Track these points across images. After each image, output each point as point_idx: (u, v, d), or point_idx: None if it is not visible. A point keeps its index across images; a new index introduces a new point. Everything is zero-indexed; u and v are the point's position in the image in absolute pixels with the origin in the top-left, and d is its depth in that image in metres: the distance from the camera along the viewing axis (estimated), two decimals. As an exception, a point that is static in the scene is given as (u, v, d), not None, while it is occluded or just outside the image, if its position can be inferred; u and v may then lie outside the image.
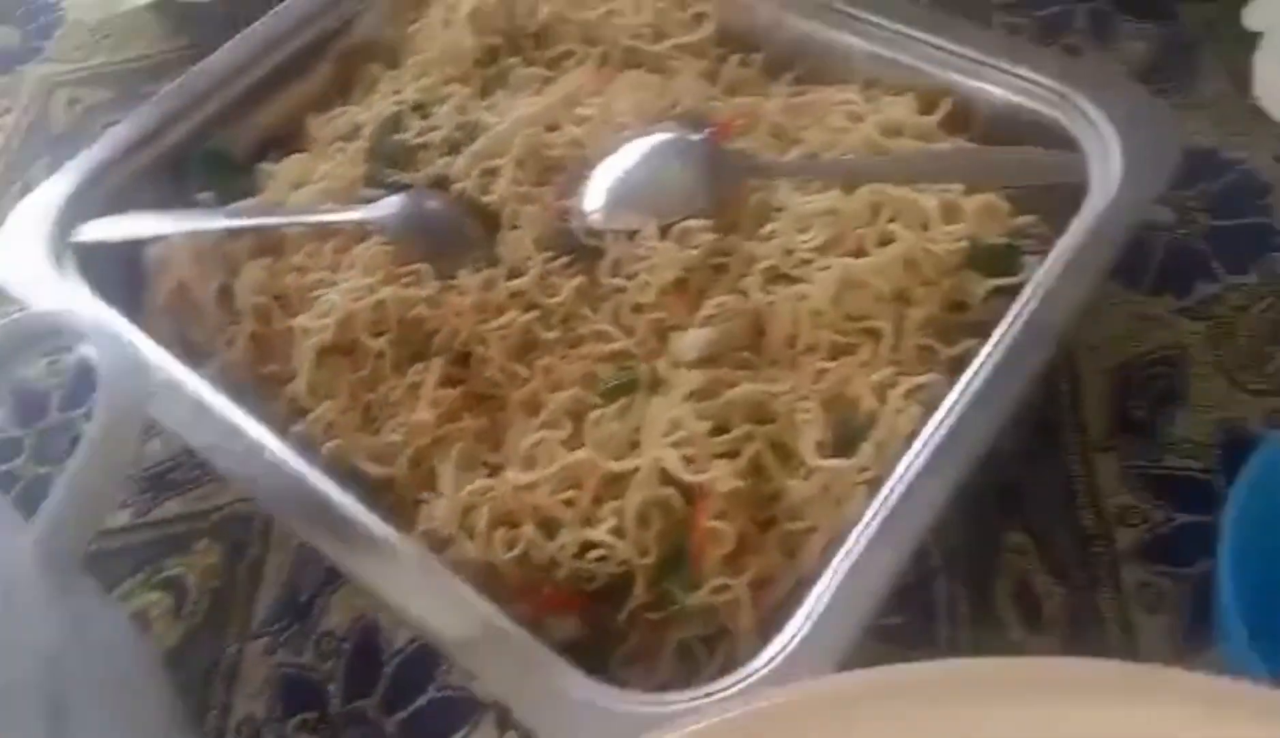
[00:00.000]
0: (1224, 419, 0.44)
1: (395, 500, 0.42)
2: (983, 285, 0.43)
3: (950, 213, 0.44)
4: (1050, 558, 0.41)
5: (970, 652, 0.39)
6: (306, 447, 0.43)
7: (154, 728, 0.37)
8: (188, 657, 0.44)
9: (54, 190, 0.51)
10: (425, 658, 0.42)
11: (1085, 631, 0.39)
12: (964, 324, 0.43)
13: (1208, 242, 0.49)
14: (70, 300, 0.46)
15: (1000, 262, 0.44)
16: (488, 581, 0.39)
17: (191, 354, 0.47)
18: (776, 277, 0.44)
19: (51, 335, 0.38)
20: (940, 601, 0.41)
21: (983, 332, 0.41)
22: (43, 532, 0.32)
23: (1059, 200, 0.44)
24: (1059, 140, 0.46)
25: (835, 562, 0.35)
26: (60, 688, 0.29)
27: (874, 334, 0.42)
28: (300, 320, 0.45)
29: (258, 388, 0.46)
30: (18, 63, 0.72)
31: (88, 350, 0.37)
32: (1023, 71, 0.48)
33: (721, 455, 0.40)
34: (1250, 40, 0.50)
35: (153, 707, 0.38)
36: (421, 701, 0.41)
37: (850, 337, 0.42)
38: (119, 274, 0.49)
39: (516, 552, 0.38)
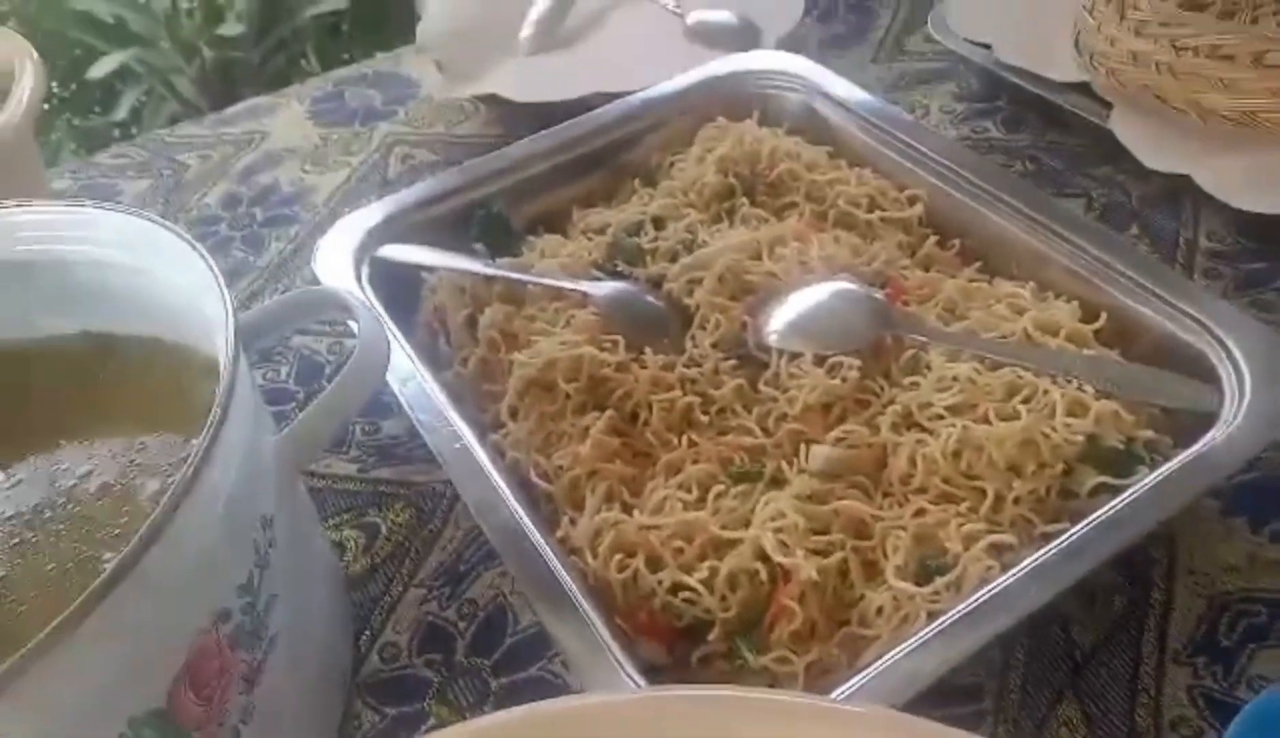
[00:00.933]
0: (1308, 674, 0.45)
1: (551, 511, 0.51)
2: (1093, 479, 0.47)
3: (1076, 408, 0.49)
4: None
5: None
6: (499, 453, 0.53)
7: (323, 618, 0.47)
8: (363, 585, 0.54)
9: (369, 217, 0.65)
10: (538, 642, 0.50)
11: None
12: (1067, 511, 0.47)
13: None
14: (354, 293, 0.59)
15: (1115, 462, 0.48)
16: (604, 594, 0.47)
17: (436, 362, 0.58)
18: (909, 423, 0.50)
19: (330, 307, 0.51)
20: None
21: (1080, 520, 0.45)
22: (282, 439, 0.44)
23: (1192, 428, 0.48)
24: (1203, 372, 0.50)
25: (876, 662, 0.41)
26: (267, 549, 0.40)
27: (979, 493, 0.47)
28: (517, 356, 0.56)
29: (477, 399, 0.57)
30: (375, 119, 0.90)
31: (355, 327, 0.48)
32: (1175, 300, 0.52)
33: (814, 551, 0.46)
34: None
35: (328, 604, 0.48)
36: (524, 675, 0.49)
37: (958, 490, 0.48)
38: (399, 290, 0.62)
39: (625, 575, 0.46)
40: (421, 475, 0.59)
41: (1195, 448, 0.47)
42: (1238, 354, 0.50)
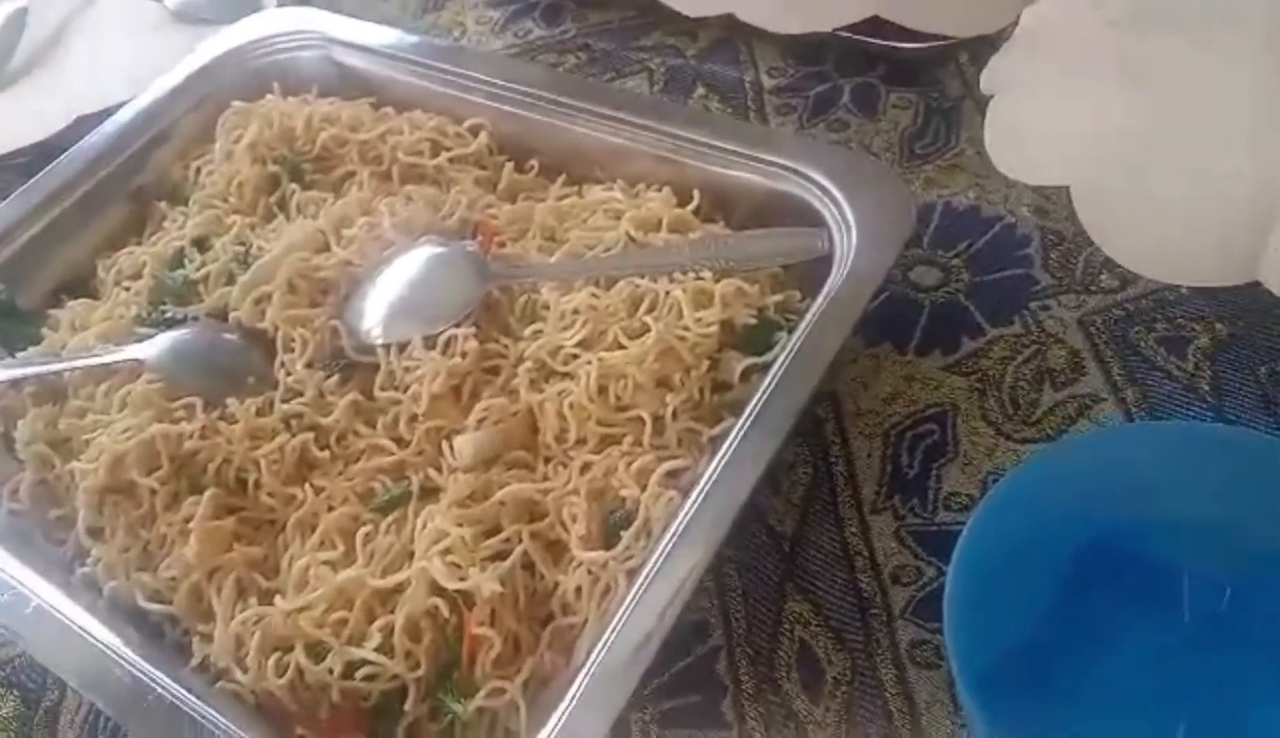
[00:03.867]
0: (992, 470, 0.45)
1: (181, 635, 0.42)
2: (740, 364, 0.45)
3: (702, 298, 0.45)
4: (830, 624, 0.42)
5: (757, 725, 0.40)
6: (92, 588, 0.43)
7: None
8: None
9: None
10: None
11: (865, 694, 0.40)
12: (726, 404, 0.44)
13: (972, 297, 0.51)
14: None
15: (754, 340, 0.45)
16: (270, 709, 0.39)
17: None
18: (546, 375, 0.45)
19: None
20: (725, 676, 0.41)
21: (742, 410, 0.42)
22: None
23: (822, 274, 0.47)
24: (809, 219, 0.49)
25: (596, 650, 0.36)
26: None
27: (639, 423, 0.43)
28: (76, 465, 0.45)
29: (45, 533, 0.46)
30: None
31: None
32: (770, 157, 0.51)
33: (492, 558, 0.40)
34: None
35: None
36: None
37: (616, 427, 0.43)
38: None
39: (286, 678, 0.38)
40: (11, 648, 0.47)
41: (824, 293, 0.45)
42: (830, 186, 0.49)
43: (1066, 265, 0.51)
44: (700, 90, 0.64)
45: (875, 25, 0.61)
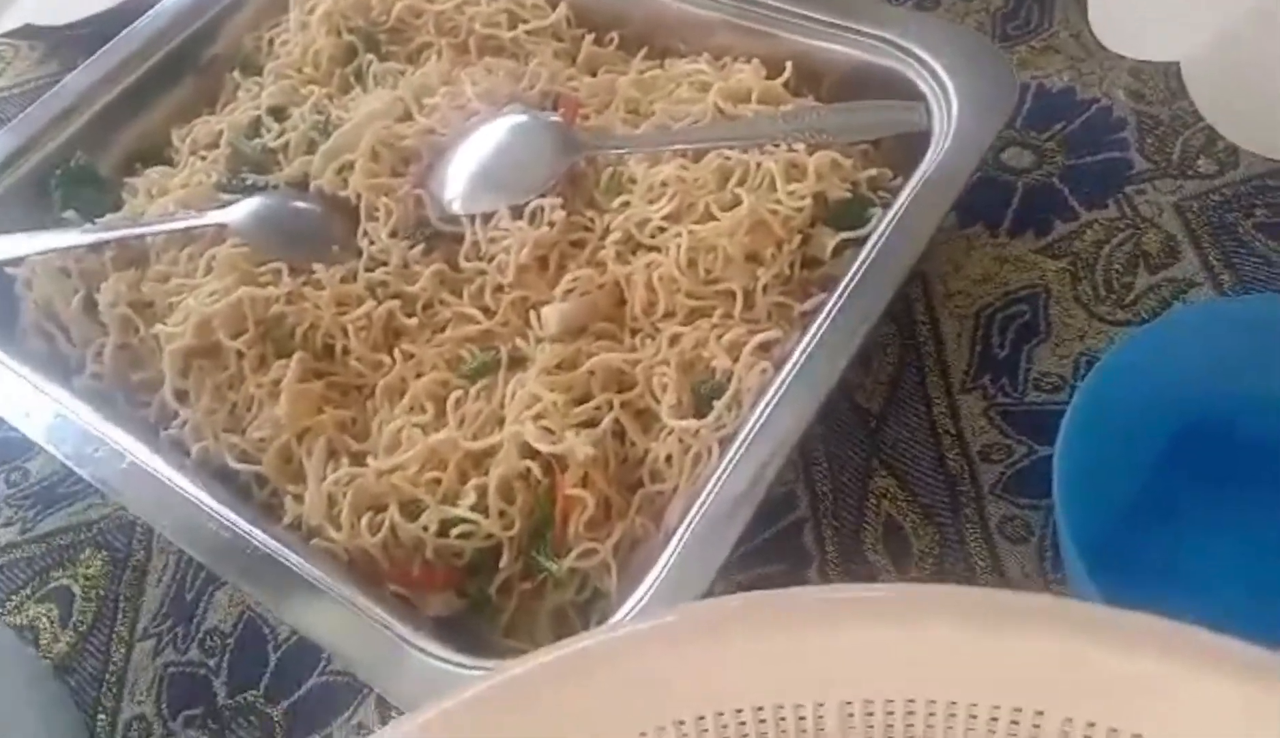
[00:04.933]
0: (1084, 351, 0.45)
1: (269, 495, 0.42)
2: (833, 239, 0.44)
3: (794, 172, 0.44)
4: (917, 499, 0.42)
5: (842, 597, 0.40)
6: (182, 449, 0.43)
7: (28, 728, 0.37)
8: (77, 664, 0.44)
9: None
10: (308, 647, 0.42)
11: (954, 567, 0.40)
12: (817, 279, 0.44)
13: (1065, 180, 0.50)
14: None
15: (847, 215, 0.44)
16: (363, 566, 0.39)
17: (63, 370, 0.47)
18: (633, 247, 0.44)
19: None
20: (811, 547, 0.41)
21: (834, 285, 0.41)
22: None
23: (915, 151, 0.45)
24: (904, 93, 0.47)
25: (690, 516, 0.36)
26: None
27: (729, 296, 0.42)
28: (161, 328, 0.45)
29: (131, 396, 0.46)
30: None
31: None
32: (864, 28, 0.49)
33: (583, 424, 0.40)
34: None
35: (30, 710, 0.38)
36: (305, 688, 0.41)
37: (706, 300, 0.43)
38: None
39: (380, 536, 0.38)
40: (99, 509, 0.48)
41: (920, 170, 0.44)
42: (928, 58, 0.47)
43: (1163, 150, 0.50)
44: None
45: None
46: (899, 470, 0.43)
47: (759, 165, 0.44)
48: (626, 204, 0.45)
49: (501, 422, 0.40)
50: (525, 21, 0.55)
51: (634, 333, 0.43)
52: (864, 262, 0.41)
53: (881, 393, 0.45)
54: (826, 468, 0.43)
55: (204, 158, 0.52)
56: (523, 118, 0.48)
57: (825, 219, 0.44)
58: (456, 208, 0.46)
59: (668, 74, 0.51)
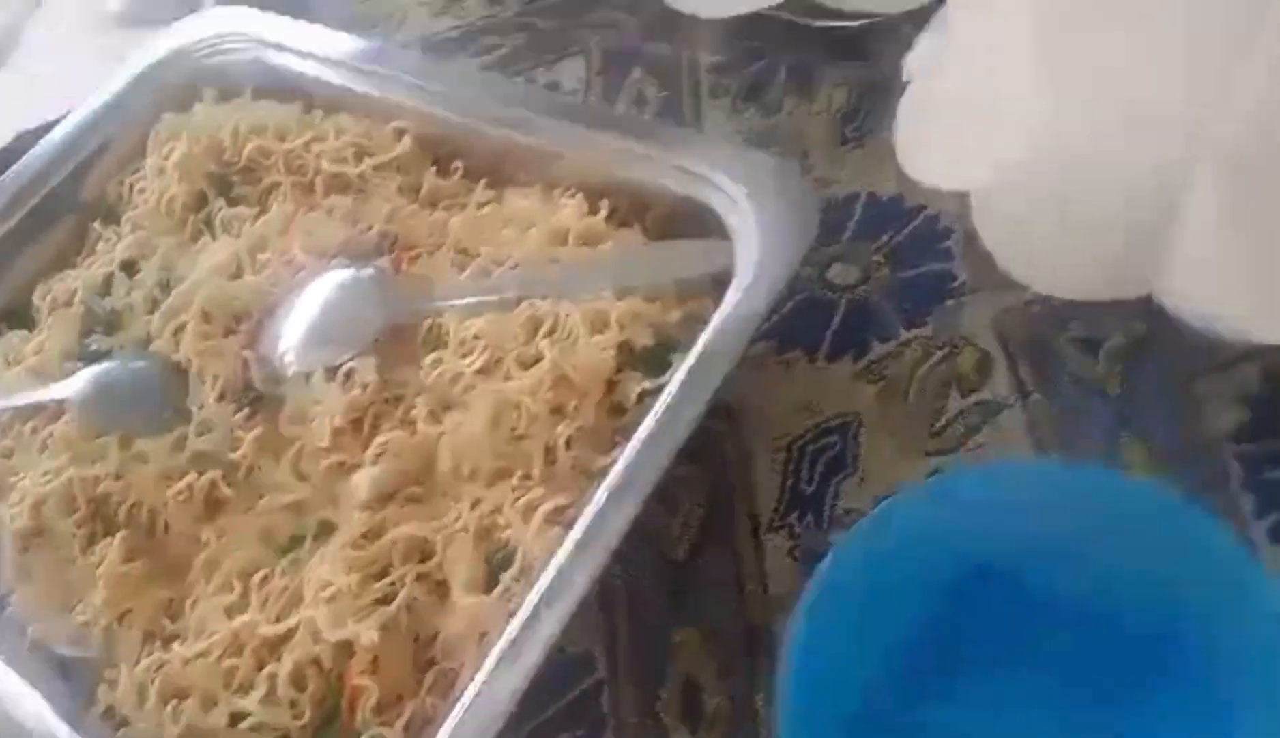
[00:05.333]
0: (890, 487, 0.44)
1: (95, 680, 0.44)
2: (637, 386, 0.44)
3: (599, 322, 0.45)
4: (715, 654, 0.42)
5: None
6: (17, 630, 0.45)
7: None
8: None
9: None
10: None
11: (742, 729, 0.40)
12: (623, 428, 0.44)
13: (888, 296, 0.50)
14: None
15: (652, 360, 0.45)
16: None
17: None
18: (445, 406, 0.45)
19: None
20: (608, 710, 0.42)
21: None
22: None
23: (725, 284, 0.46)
24: (715, 226, 0.48)
25: (468, 691, 0.37)
26: None
27: (530, 455, 0.43)
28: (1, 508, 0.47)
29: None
30: None
31: None
32: (681, 162, 0.49)
33: (379, 601, 0.41)
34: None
35: None
36: None
37: (510, 459, 0.43)
38: None
39: (180, 727, 0.40)
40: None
41: (721, 310, 0.44)
42: (736, 193, 0.47)
43: (988, 259, 0.49)
44: (637, 72, 0.63)
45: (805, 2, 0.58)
46: (701, 622, 0.43)
47: (567, 316, 0.45)
48: (440, 360, 0.46)
49: (301, 601, 0.42)
50: (371, 155, 0.56)
51: (444, 496, 0.44)
52: (659, 408, 0.42)
53: (689, 537, 0.45)
54: (628, 625, 0.44)
55: (60, 318, 0.54)
56: (347, 272, 0.49)
57: (635, 364, 0.45)
58: (282, 368, 0.47)
59: (501, 211, 0.52)
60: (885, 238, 0.52)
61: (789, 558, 0.44)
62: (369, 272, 0.49)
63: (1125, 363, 0.45)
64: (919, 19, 0.54)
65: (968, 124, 0.45)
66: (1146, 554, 0.35)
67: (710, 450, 0.47)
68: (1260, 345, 0.41)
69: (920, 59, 0.51)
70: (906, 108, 0.49)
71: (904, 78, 0.51)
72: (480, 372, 0.45)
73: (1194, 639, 0.35)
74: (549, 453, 0.43)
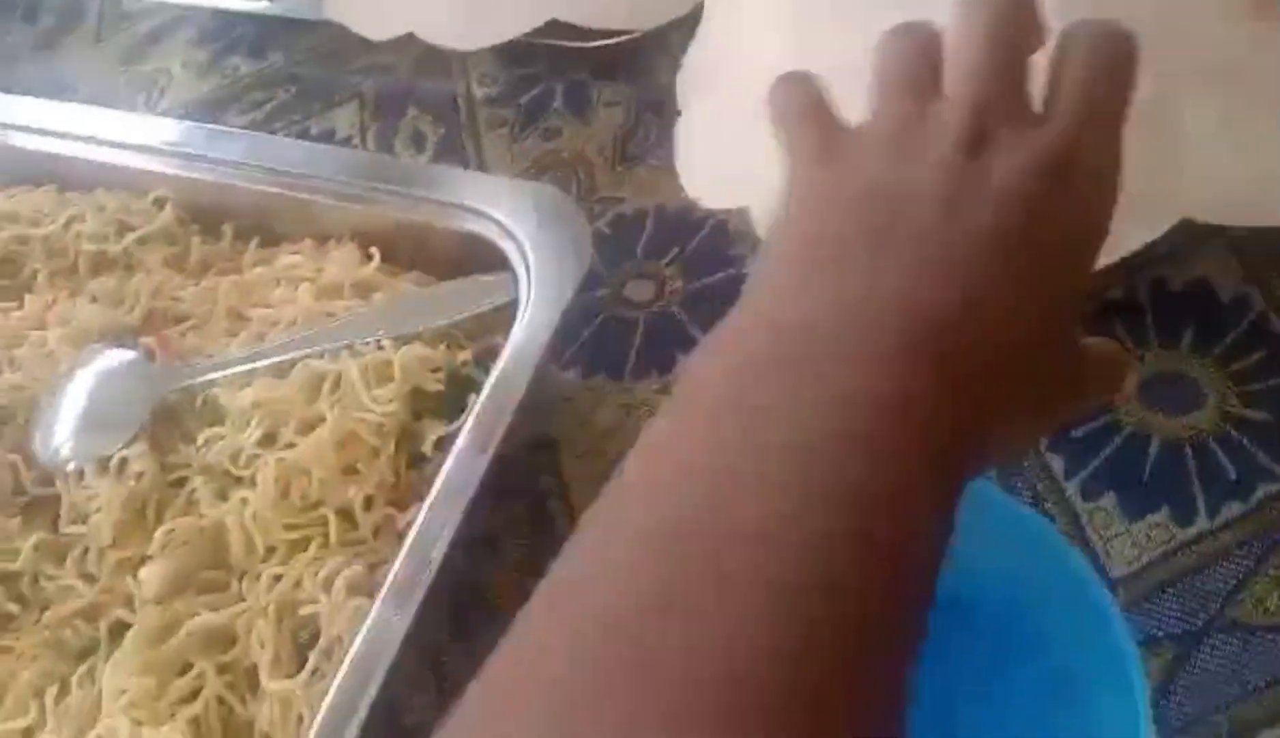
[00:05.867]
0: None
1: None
2: (434, 433, 0.43)
3: (381, 372, 0.43)
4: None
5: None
6: None
7: None
8: None
9: None
10: None
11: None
12: (427, 479, 0.43)
13: (686, 308, 0.50)
14: None
15: (448, 404, 0.44)
16: None
17: None
18: (229, 483, 0.43)
19: None
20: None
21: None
22: None
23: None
24: (497, 262, 0.47)
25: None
26: None
27: (327, 522, 0.41)
28: None
29: None
30: None
31: None
32: (455, 199, 0.48)
33: (185, 698, 0.38)
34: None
35: None
36: None
37: (305, 530, 0.41)
38: None
39: None
40: None
41: (508, 344, 0.43)
42: (510, 223, 0.47)
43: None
44: (412, 111, 0.61)
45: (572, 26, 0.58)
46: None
47: (347, 371, 0.43)
48: (219, 435, 0.43)
49: (100, 711, 0.39)
50: (133, 229, 0.53)
51: (241, 578, 0.42)
52: (457, 452, 0.41)
53: (513, 583, 0.44)
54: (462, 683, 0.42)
55: None
56: (110, 356, 0.46)
57: (428, 412, 0.44)
58: (53, 466, 0.44)
59: (272, 271, 0.50)
60: (677, 250, 0.52)
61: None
62: (132, 353, 0.46)
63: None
64: (685, 28, 0.55)
65: (737, 143, 0.45)
66: (981, 543, 0.36)
67: (527, 487, 0.46)
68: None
69: (690, 78, 0.52)
70: (683, 131, 0.49)
71: (678, 104, 0.52)
72: (263, 442, 0.43)
73: (1039, 626, 0.35)
74: (346, 517, 0.41)
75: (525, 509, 0.46)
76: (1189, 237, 0.39)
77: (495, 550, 0.45)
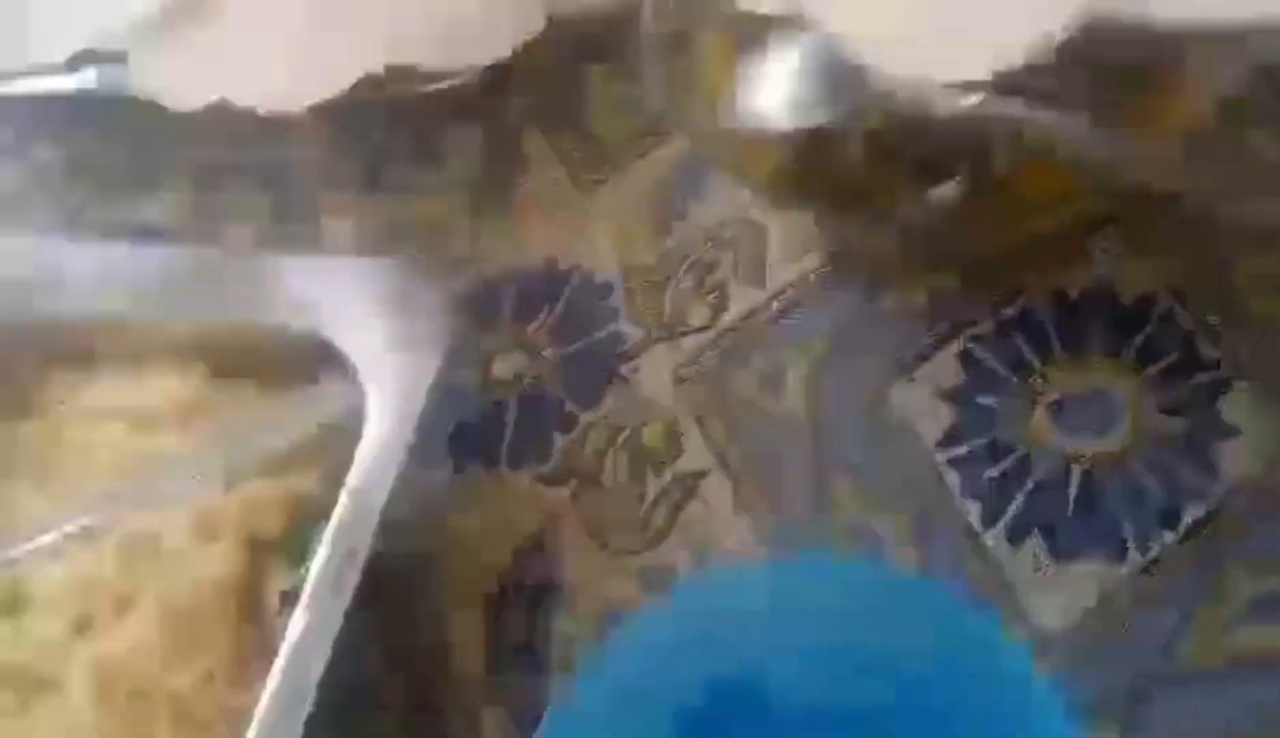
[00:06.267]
0: (605, 601, 0.39)
1: None
2: (278, 589, 0.37)
3: (207, 527, 0.37)
4: None
5: None
6: None
7: None
8: None
9: None
10: None
11: None
12: (273, 645, 0.36)
13: (559, 380, 0.44)
14: None
15: (295, 547, 0.37)
16: None
17: None
18: (36, 688, 0.36)
19: None
20: None
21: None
22: None
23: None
24: (340, 357, 0.40)
25: None
26: None
27: (158, 718, 0.35)
28: None
29: None
30: None
31: None
32: (281, 290, 0.42)
33: None
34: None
35: None
36: None
37: (130, 731, 0.35)
38: None
39: None
40: None
41: (358, 457, 0.37)
42: (351, 314, 0.40)
43: (653, 307, 0.44)
44: (240, 184, 0.54)
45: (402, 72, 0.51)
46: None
47: (159, 538, 0.37)
48: (21, 628, 0.37)
49: None
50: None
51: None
52: (305, 606, 0.34)
53: (400, 733, 0.38)
54: None
55: None
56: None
57: (271, 560, 0.37)
58: None
59: (81, 406, 0.43)
60: (544, 314, 0.46)
61: (509, 724, 0.37)
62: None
63: (810, 391, 0.40)
64: (530, 63, 0.49)
65: None
66: (880, 635, 0.31)
67: (396, 621, 0.40)
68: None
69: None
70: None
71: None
72: (74, 632, 0.36)
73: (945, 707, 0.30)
74: (179, 706, 0.35)
75: (398, 645, 0.39)
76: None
77: (370, 705, 0.39)
